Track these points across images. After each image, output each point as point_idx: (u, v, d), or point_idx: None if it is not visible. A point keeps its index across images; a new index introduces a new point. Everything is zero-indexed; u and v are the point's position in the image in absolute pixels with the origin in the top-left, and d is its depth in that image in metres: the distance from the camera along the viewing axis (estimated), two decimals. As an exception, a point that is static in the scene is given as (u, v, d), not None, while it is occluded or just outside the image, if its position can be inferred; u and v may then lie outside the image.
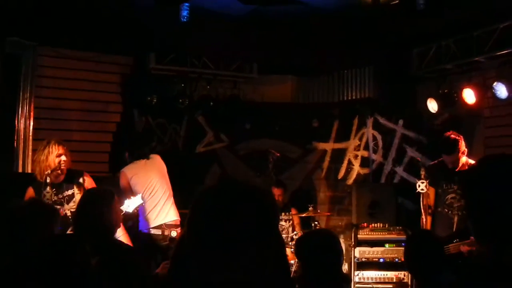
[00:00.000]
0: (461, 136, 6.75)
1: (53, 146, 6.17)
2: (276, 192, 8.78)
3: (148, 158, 7.30)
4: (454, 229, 6.57)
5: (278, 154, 7.34)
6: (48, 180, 5.93)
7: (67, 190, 6.23)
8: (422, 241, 4.36)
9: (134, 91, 9.21)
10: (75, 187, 6.26)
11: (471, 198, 2.07)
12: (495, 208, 1.91)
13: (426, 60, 8.84)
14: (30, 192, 6.12)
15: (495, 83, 7.81)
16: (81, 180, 6.32)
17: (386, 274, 7.91)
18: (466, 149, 6.69)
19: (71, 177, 6.30)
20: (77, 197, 6.17)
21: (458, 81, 8.49)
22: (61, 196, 6.15)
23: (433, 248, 4.18)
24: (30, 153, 8.23)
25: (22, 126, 8.33)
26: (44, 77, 8.65)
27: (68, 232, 5.35)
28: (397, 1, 6.01)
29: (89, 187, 6.30)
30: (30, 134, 8.37)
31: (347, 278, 3.28)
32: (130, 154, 7.40)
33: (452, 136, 6.71)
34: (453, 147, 6.59)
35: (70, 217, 5.95)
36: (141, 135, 9.32)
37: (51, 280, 2.98)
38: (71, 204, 6.16)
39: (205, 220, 1.67)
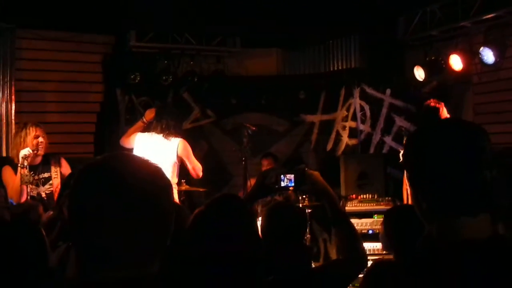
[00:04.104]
0: (442, 103, 6.66)
1: (30, 128, 6.25)
2: (264, 162, 8.81)
3: (167, 137, 6.79)
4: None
5: (254, 128, 7.22)
6: (25, 163, 5.95)
7: (44, 173, 6.33)
8: (401, 216, 4.25)
9: (116, 70, 9.15)
10: (52, 170, 6.36)
11: (407, 167, 1.95)
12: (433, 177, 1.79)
13: (412, 27, 8.71)
14: (8, 170, 6.22)
15: (481, 48, 7.70)
16: (58, 163, 6.42)
17: (376, 246, 7.81)
18: (448, 115, 6.59)
19: (48, 160, 6.41)
20: (54, 181, 6.31)
21: (445, 47, 8.39)
22: (37, 178, 6.22)
23: (412, 223, 4.08)
24: (13, 137, 8.14)
25: (3, 110, 8.29)
26: (24, 59, 8.60)
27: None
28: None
29: (65, 171, 6.39)
30: (13, 117, 8.32)
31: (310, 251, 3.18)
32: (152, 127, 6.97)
33: (432, 104, 6.61)
34: (434, 115, 6.48)
35: (45, 198, 6.14)
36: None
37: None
38: (47, 186, 6.30)
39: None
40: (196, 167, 6.87)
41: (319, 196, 3.45)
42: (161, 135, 6.78)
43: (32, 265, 2.86)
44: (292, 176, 3.33)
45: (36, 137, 6.22)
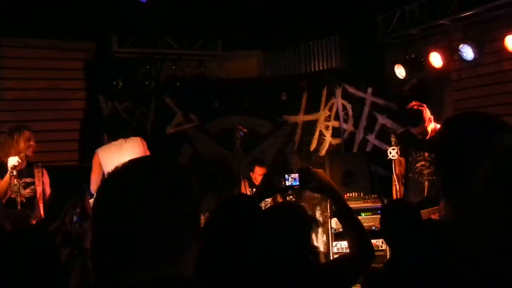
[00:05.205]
0: (424, 105, 6.74)
1: (24, 130, 6.44)
2: (260, 171, 8.42)
3: (126, 138, 7.10)
4: (425, 195, 6.57)
5: (246, 130, 7.26)
6: (14, 172, 6.08)
7: (27, 177, 6.47)
8: (397, 210, 4.31)
9: (99, 77, 9.09)
10: (35, 176, 6.52)
11: (440, 161, 2.03)
12: (462, 169, 1.86)
13: (391, 26, 8.77)
14: None
15: (461, 45, 7.81)
16: (41, 171, 6.62)
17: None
18: (431, 116, 6.67)
19: (31, 166, 6.60)
20: (38, 188, 6.48)
21: (424, 45, 8.49)
22: (19, 181, 6.25)
23: (409, 217, 4.15)
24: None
25: (-13, 120, 8.19)
26: (7, 68, 8.52)
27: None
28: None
29: (46, 180, 6.64)
30: (-3, 127, 8.22)
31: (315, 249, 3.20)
32: (108, 136, 7.30)
33: (415, 107, 6.68)
34: (418, 119, 6.57)
35: (24, 202, 6.26)
36: (119, 116, 9.20)
37: (20, 273, 2.89)
38: (28, 190, 6.44)
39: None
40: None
41: (325, 193, 3.51)
42: (119, 140, 7.08)
43: (48, 272, 2.88)
44: (296, 175, 3.37)
45: (29, 139, 6.41)
